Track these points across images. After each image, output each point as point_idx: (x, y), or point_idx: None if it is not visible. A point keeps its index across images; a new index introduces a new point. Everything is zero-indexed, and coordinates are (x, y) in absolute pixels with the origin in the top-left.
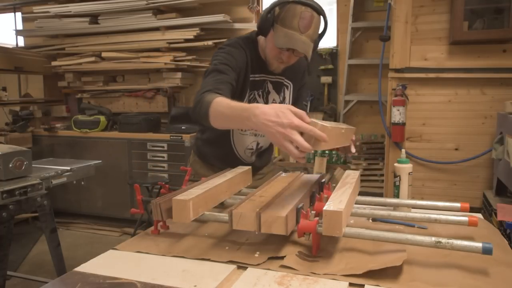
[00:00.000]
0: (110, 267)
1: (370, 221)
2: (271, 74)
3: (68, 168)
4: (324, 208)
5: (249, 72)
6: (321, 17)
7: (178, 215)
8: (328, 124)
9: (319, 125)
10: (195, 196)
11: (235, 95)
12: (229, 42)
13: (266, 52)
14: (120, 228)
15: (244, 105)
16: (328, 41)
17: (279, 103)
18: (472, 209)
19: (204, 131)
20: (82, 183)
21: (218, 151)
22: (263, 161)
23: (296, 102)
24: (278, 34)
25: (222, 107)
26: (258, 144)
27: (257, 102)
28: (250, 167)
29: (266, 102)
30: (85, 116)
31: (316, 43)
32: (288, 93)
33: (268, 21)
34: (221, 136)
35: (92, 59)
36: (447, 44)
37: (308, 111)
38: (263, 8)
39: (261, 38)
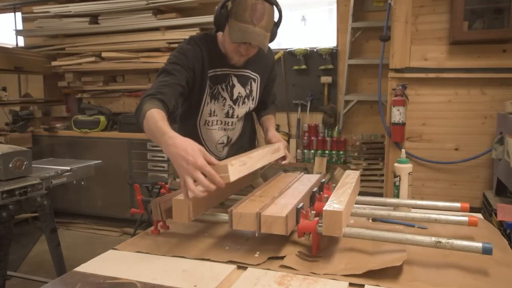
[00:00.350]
0: (110, 267)
1: (370, 221)
2: (235, 67)
3: (68, 168)
4: (324, 208)
5: (206, 68)
6: (274, 6)
7: (178, 215)
8: (243, 167)
9: (225, 175)
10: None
11: (194, 90)
12: (186, 40)
13: (225, 47)
14: (120, 228)
15: (165, 129)
16: (328, 41)
17: (245, 96)
18: (472, 209)
19: (176, 130)
20: (82, 183)
21: None
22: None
23: (264, 96)
24: (232, 28)
25: (151, 123)
26: (228, 137)
27: (221, 95)
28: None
29: (231, 96)
30: (85, 116)
31: (273, 32)
32: (256, 86)
33: (222, 16)
34: (190, 134)
35: (92, 59)
36: (447, 44)
37: (308, 110)
38: None
39: (220, 34)
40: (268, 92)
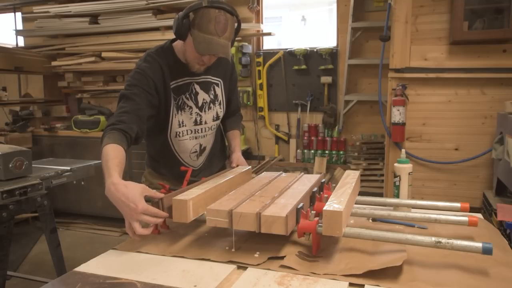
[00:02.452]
0: (110, 267)
1: (370, 221)
2: (196, 75)
3: (68, 168)
4: (324, 208)
5: (168, 81)
6: (234, 17)
7: (178, 215)
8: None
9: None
10: (195, 196)
11: (160, 106)
12: (142, 57)
13: (186, 56)
14: (120, 228)
15: (111, 171)
16: (328, 41)
17: (210, 101)
18: (472, 209)
19: (147, 145)
20: (82, 183)
21: (164, 161)
22: (214, 166)
23: (229, 99)
24: (197, 40)
25: (103, 161)
26: (201, 145)
27: (187, 105)
28: (250, 167)
29: (196, 104)
30: (85, 116)
31: (232, 41)
32: (220, 90)
33: (184, 27)
34: (161, 148)
35: (92, 59)
36: (447, 44)
37: (308, 110)
38: (262, 8)
39: (179, 43)
40: (232, 94)
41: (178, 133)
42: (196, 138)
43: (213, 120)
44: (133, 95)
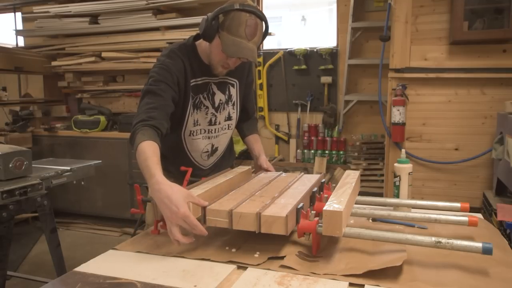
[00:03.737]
0: (110, 267)
1: (370, 221)
2: (214, 76)
3: (68, 168)
4: (324, 208)
5: (189, 78)
6: (263, 22)
7: None
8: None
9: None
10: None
11: (179, 103)
12: (164, 52)
13: (211, 57)
14: (120, 228)
15: (152, 170)
16: (328, 41)
17: (225, 101)
18: (472, 209)
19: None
20: (82, 183)
21: (174, 159)
22: (223, 167)
23: (244, 101)
24: (226, 42)
25: (141, 159)
26: (213, 145)
27: (204, 104)
28: (250, 167)
29: (213, 104)
30: (85, 116)
31: (258, 46)
32: (235, 91)
33: (212, 28)
34: (175, 147)
35: (92, 59)
36: (447, 44)
37: (308, 110)
38: (262, 8)
39: (202, 43)
40: (247, 97)
41: (192, 132)
42: (209, 138)
43: (225, 120)
44: (160, 90)
